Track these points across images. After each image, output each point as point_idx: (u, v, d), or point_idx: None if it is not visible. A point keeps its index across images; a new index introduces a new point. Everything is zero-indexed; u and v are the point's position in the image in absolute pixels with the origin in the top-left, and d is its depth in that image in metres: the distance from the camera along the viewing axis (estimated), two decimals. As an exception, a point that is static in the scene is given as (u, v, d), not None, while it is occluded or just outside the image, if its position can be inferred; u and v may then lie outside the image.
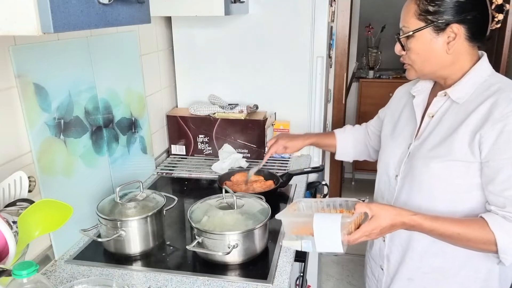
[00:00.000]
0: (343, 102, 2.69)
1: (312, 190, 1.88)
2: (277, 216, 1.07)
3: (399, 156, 1.19)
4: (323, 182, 1.95)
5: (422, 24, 1.05)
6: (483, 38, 1.07)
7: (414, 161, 1.12)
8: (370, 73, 3.86)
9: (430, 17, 1.04)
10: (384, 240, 1.24)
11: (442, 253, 1.12)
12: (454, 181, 1.06)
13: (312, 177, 1.89)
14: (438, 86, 1.17)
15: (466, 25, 1.03)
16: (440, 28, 1.04)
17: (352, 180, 4.11)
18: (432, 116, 1.13)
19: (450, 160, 1.05)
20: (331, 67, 2.55)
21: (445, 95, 1.11)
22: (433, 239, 1.08)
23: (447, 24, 1.03)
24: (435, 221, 1.02)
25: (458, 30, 1.03)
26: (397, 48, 1.13)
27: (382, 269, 1.27)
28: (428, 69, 1.10)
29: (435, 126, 1.11)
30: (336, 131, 1.55)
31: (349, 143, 1.51)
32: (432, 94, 1.18)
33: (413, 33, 1.06)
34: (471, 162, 1.03)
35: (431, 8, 1.03)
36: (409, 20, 1.07)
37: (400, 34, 1.10)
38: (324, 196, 1.93)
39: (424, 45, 1.06)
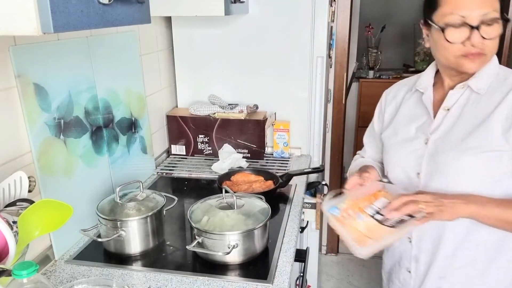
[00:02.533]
0: (343, 102, 2.69)
1: (312, 190, 1.88)
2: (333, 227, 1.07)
3: (415, 152, 1.16)
4: (323, 182, 1.95)
5: (499, 15, 1.01)
6: None
7: (440, 155, 1.10)
8: (370, 73, 3.86)
9: (501, 7, 1.02)
10: (410, 241, 1.21)
11: (474, 246, 1.11)
12: (486, 172, 1.05)
13: (312, 177, 1.89)
14: (441, 81, 1.16)
15: None
16: (506, 20, 1.04)
17: (352, 180, 4.11)
18: (448, 109, 1.12)
19: (484, 151, 1.04)
20: (331, 67, 2.55)
21: (463, 87, 1.10)
22: (466, 232, 1.09)
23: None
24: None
25: None
26: (478, 37, 1.00)
27: (409, 272, 1.23)
28: (488, 59, 1.07)
29: (455, 119, 1.10)
30: (368, 162, 1.37)
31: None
32: (437, 90, 1.17)
33: (499, 20, 1.01)
34: (506, 151, 1.02)
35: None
36: (496, 5, 1.00)
37: (488, 20, 0.99)
38: (324, 196, 1.93)
39: (498, 33, 1.02)
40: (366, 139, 1.41)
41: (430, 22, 1.08)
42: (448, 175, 1.09)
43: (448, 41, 1.03)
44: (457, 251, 1.14)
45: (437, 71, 1.20)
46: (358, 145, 4.02)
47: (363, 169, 1.23)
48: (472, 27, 0.99)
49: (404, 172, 1.20)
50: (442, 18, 1.03)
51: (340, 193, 1.15)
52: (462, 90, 1.11)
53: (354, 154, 4.05)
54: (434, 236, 1.16)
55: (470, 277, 1.15)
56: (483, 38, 1.00)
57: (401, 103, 1.26)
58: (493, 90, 1.07)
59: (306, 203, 1.85)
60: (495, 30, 1.01)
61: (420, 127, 1.17)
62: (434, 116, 1.15)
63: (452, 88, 1.13)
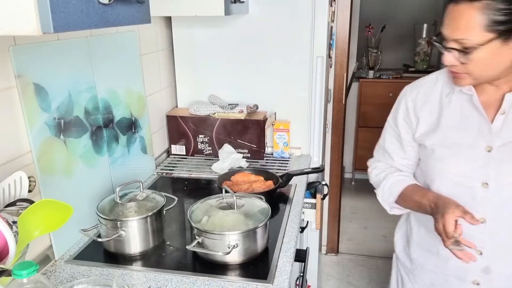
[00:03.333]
0: (343, 102, 2.69)
1: (312, 190, 1.88)
2: None
3: (477, 162, 1.10)
4: (323, 182, 1.94)
5: (491, 35, 0.96)
6: None
7: None
8: (370, 73, 3.86)
9: (501, 27, 0.95)
10: (481, 254, 1.15)
11: None
12: None
13: (312, 177, 1.89)
14: (481, 84, 1.11)
15: None
16: (510, 36, 0.97)
17: (352, 180, 4.12)
18: (503, 113, 1.08)
19: None
20: (331, 67, 2.55)
21: None
22: None
23: None
24: None
25: None
26: (452, 60, 1.03)
27: (478, 284, 1.19)
28: (488, 76, 1.05)
29: None
30: (413, 182, 1.28)
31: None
32: (479, 92, 1.12)
33: (482, 45, 0.97)
34: None
35: (501, 18, 0.94)
36: (472, 32, 0.97)
37: (457, 46, 1.00)
38: (324, 196, 1.93)
39: (491, 56, 0.99)
40: (391, 146, 1.30)
41: None
42: None
43: None
44: None
45: None
46: (358, 145, 4.03)
47: (453, 203, 1.08)
48: None
49: (464, 183, 1.14)
50: None
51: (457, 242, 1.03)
52: None
53: (355, 154, 4.08)
54: (509, 244, 1.14)
55: None
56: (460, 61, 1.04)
57: (440, 106, 1.18)
58: None
59: (306, 203, 1.85)
60: (475, 54, 1.01)
61: (476, 133, 1.11)
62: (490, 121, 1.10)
63: (503, 92, 1.08)
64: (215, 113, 1.90)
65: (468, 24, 0.97)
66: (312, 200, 1.87)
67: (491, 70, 1.04)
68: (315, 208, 1.87)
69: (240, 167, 1.79)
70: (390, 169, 1.32)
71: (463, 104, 1.14)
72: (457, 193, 1.14)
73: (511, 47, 0.99)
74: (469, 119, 1.13)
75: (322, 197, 1.89)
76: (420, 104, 1.21)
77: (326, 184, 1.96)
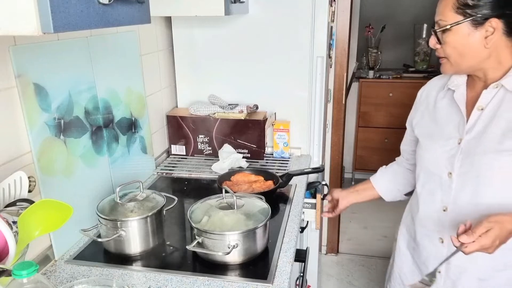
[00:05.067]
0: (343, 102, 2.68)
1: (312, 190, 1.87)
2: None
3: (447, 153, 1.16)
4: (323, 182, 1.94)
5: (460, 17, 1.05)
6: None
7: (476, 156, 1.10)
8: (370, 73, 3.86)
9: (468, 11, 1.03)
10: (442, 242, 1.20)
11: None
12: None
13: (312, 177, 1.89)
14: (473, 79, 1.16)
15: (505, 20, 1.03)
16: (479, 23, 1.03)
17: (352, 180, 4.11)
18: (482, 109, 1.11)
19: None
20: (331, 67, 2.55)
21: (496, 87, 1.09)
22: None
23: (486, 19, 1.03)
24: None
25: (496, 25, 1.03)
26: (432, 41, 1.12)
27: (439, 272, 1.22)
28: (465, 63, 1.10)
29: (490, 119, 1.09)
30: (371, 178, 1.56)
31: (390, 184, 1.48)
32: (470, 88, 1.17)
33: (450, 26, 1.06)
34: None
35: (470, 2, 1.03)
36: (447, 14, 1.06)
37: (436, 27, 1.09)
38: (324, 196, 1.93)
39: (461, 39, 1.06)
40: (404, 138, 1.45)
41: None
42: (482, 177, 1.08)
43: None
44: (498, 253, 1.11)
45: None
46: (358, 145, 4.02)
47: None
48: None
49: (433, 172, 1.20)
50: None
51: None
52: (496, 90, 1.10)
53: (355, 154, 4.09)
54: None
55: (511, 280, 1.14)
56: (440, 43, 1.14)
57: (435, 101, 1.25)
58: None
59: (306, 203, 1.85)
60: (447, 36, 1.09)
61: (455, 126, 1.17)
62: (468, 115, 1.14)
63: (486, 87, 1.12)
64: (215, 113, 1.90)
65: (445, 6, 1.07)
66: (312, 200, 1.86)
67: (465, 56, 1.09)
68: (315, 208, 1.87)
69: (240, 167, 1.79)
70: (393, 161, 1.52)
71: (451, 100, 1.20)
72: (429, 180, 1.23)
73: (483, 35, 1.04)
74: (452, 113, 1.19)
75: (322, 197, 1.89)
76: (423, 99, 1.32)
77: (326, 184, 1.96)
